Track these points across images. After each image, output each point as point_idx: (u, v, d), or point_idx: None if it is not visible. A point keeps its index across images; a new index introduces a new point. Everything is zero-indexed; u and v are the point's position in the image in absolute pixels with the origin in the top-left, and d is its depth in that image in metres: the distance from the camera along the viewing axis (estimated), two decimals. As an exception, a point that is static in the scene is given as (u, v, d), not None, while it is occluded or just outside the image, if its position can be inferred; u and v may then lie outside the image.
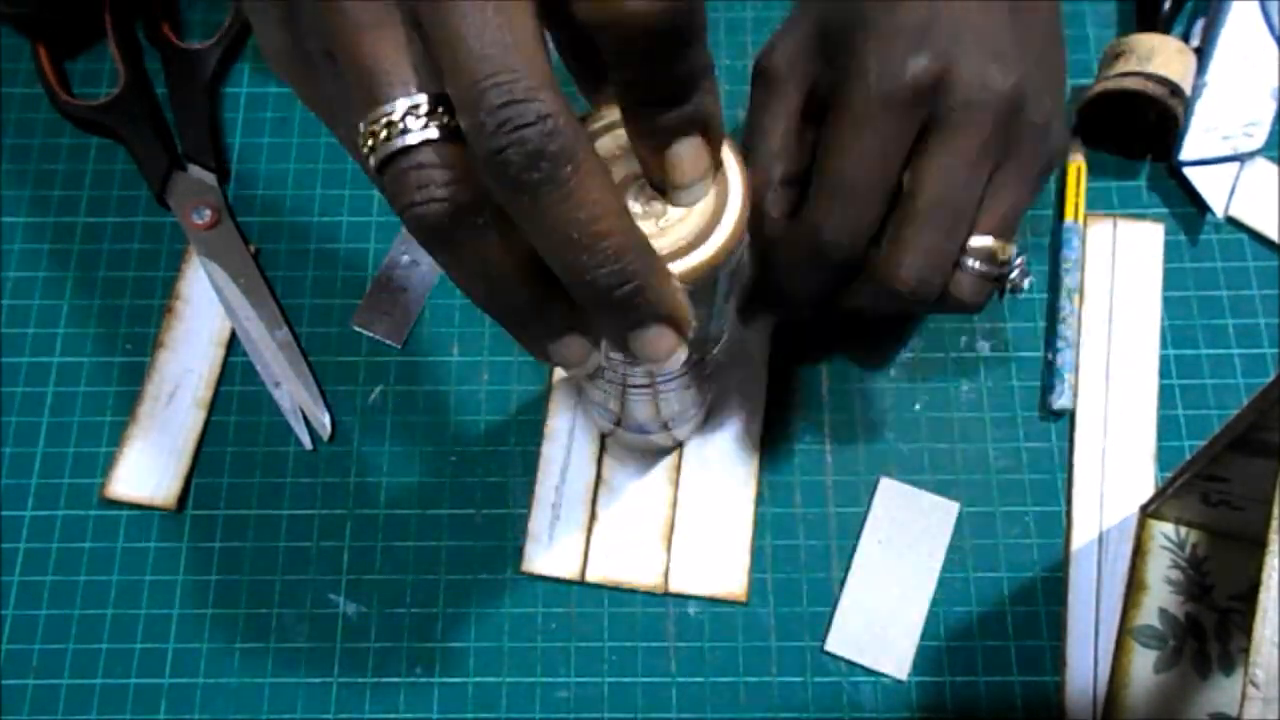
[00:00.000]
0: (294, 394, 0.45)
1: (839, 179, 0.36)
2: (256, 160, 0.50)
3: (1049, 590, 0.43)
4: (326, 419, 0.45)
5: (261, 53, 0.28)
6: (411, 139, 0.23)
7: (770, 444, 0.45)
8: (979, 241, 0.37)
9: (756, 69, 0.39)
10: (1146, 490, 0.43)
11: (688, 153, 0.27)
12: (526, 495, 0.44)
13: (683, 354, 0.27)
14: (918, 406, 0.45)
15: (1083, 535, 0.43)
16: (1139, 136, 0.48)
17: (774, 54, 0.39)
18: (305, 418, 0.45)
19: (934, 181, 0.36)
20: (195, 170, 0.48)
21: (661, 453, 0.44)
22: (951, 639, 0.42)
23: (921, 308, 0.38)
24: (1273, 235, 0.47)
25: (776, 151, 0.38)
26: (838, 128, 0.36)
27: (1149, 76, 0.46)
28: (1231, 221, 0.48)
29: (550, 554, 0.43)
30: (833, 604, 0.43)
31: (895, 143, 0.36)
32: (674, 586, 0.43)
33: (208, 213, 0.48)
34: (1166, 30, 0.48)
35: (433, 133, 0.23)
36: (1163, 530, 0.43)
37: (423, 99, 0.24)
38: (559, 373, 0.46)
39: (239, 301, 0.46)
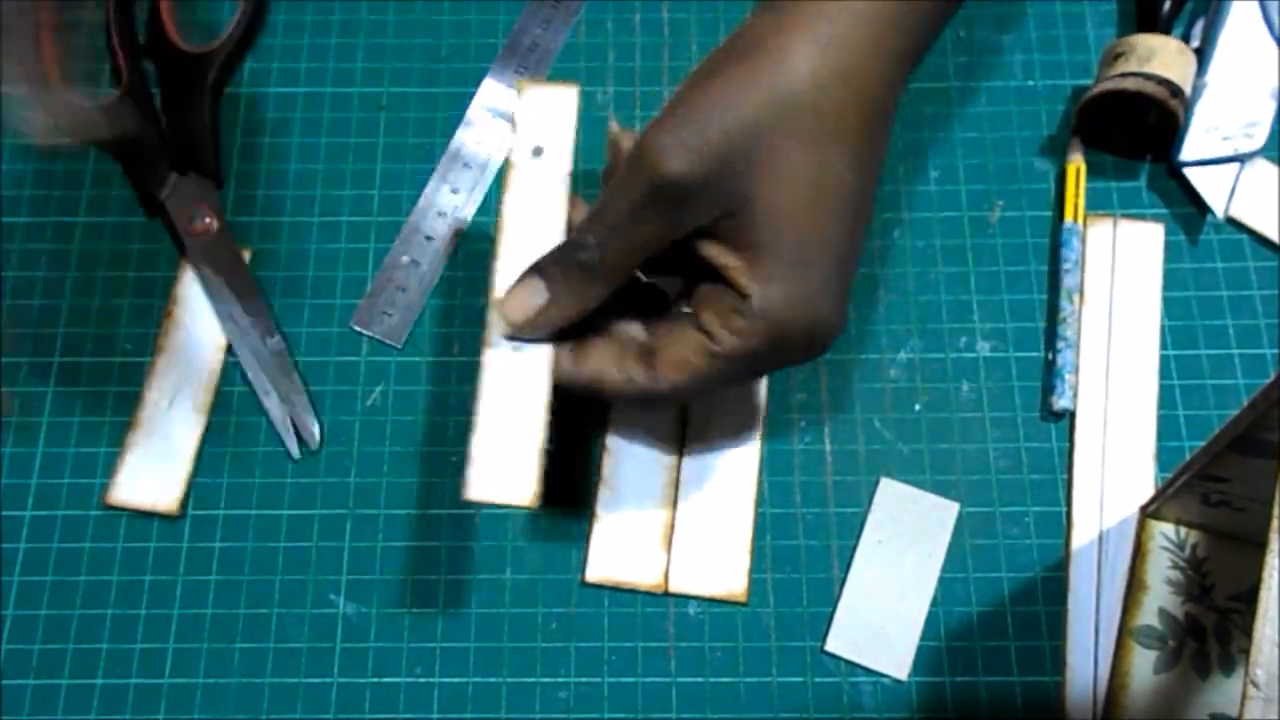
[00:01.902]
0: (283, 404, 0.45)
1: (710, 375, 0.37)
2: (256, 160, 0.50)
3: (1049, 590, 0.43)
4: (316, 429, 0.45)
5: None
6: None
7: (770, 444, 0.45)
8: None
9: (655, 164, 0.35)
10: (1146, 491, 0.44)
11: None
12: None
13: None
14: (918, 407, 0.45)
15: (1083, 535, 0.43)
16: (1139, 137, 0.48)
17: (683, 157, 0.35)
18: (295, 426, 0.45)
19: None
20: (192, 176, 0.48)
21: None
22: (951, 639, 0.42)
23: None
24: (1273, 236, 0.47)
25: (620, 270, 0.37)
26: (724, 344, 0.37)
27: (1149, 77, 0.46)
28: (1231, 222, 0.48)
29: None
30: (833, 604, 0.43)
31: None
32: (674, 586, 0.43)
33: (206, 218, 0.47)
34: (1166, 31, 0.48)
35: None
36: (1163, 530, 0.43)
37: None
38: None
39: (233, 309, 0.46)
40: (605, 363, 0.38)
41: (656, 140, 0.35)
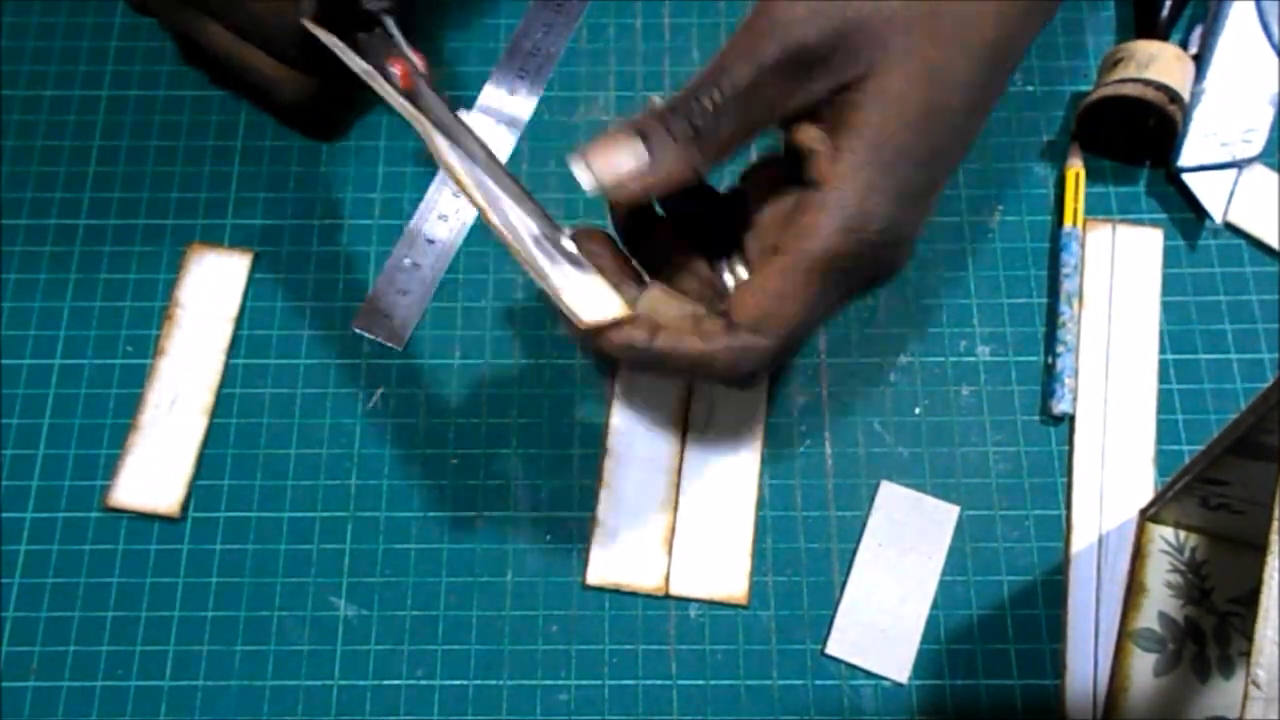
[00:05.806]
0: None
1: (796, 297, 0.35)
2: (259, 163, 0.50)
3: (1049, 594, 0.43)
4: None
5: None
6: None
7: (771, 447, 0.45)
8: None
9: (788, 26, 0.34)
10: (1146, 494, 0.44)
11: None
12: (528, 499, 0.44)
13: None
14: (918, 410, 0.45)
15: (1082, 539, 0.43)
16: (1138, 142, 0.49)
17: (816, 22, 0.33)
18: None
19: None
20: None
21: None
22: (952, 642, 0.42)
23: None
24: (1271, 241, 0.47)
25: (726, 140, 0.35)
26: (794, 251, 0.34)
27: (1148, 83, 0.46)
28: (1230, 227, 0.48)
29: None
30: (833, 607, 0.43)
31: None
32: (675, 589, 0.43)
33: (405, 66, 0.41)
34: (1165, 37, 0.48)
35: None
36: (1162, 534, 0.43)
37: None
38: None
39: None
40: (673, 321, 0.35)
41: (788, 2, 0.34)
